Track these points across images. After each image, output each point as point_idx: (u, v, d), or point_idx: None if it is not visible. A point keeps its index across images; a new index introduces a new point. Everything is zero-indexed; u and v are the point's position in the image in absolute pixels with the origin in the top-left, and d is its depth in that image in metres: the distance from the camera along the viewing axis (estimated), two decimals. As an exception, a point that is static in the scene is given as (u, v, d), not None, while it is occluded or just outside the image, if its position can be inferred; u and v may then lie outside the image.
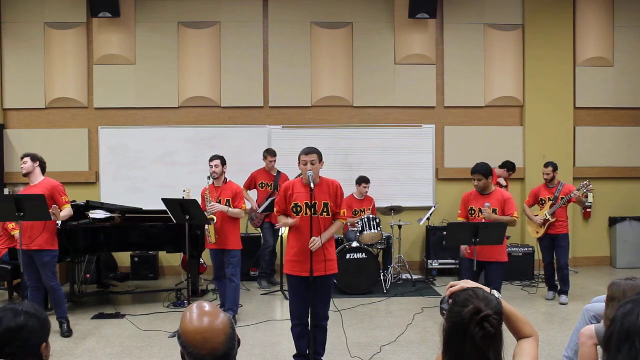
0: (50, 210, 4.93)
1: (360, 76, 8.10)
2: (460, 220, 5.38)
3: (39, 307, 1.90)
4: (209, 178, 5.63)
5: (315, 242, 3.97)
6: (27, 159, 5.20)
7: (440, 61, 8.21)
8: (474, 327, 1.72)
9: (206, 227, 5.61)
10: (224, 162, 5.65)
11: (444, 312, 1.87)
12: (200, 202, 5.58)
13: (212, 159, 5.64)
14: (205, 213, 5.46)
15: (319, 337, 4.19)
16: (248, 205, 6.24)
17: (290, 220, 4.07)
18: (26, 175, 5.23)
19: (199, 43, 7.97)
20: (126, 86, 7.94)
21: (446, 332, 1.81)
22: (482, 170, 5.18)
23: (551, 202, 6.39)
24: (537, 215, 6.44)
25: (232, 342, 1.63)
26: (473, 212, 5.27)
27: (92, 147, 7.96)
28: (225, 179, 5.69)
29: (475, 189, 5.33)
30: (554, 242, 6.41)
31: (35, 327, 1.81)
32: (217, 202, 5.51)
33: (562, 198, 6.34)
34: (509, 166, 7.51)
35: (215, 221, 5.50)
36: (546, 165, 6.50)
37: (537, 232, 6.50)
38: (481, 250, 4.97)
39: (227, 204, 5.52)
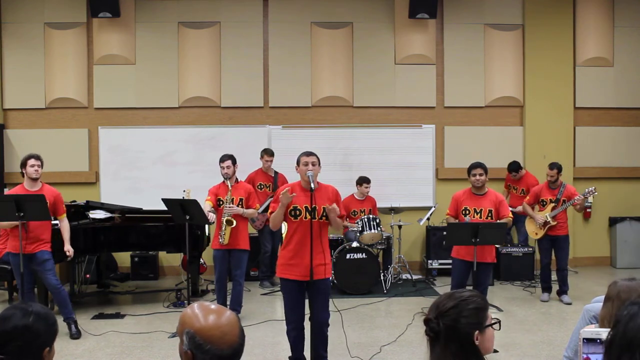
0: (68, 253, 5.21)
1: (360, 76, 8.09)
2: (449, 217, 5.32)
3: (49, 311, 1.87)
4: (226, 179, 5.49)
5: (335, 209, 3.89)
6: (39, 162, 5.04)
7: (440, 61, 8.20)
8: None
9: (222, 227, 5.39)
10: (234, 162, 5.56)
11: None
12: (210, 199, 5.51)
13: (222, 160, 5.53)
14: (224, 215, 5.37)
15: (320, 341, 4.14)
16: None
17: (289, 195, 3.88)
18: (36, 179, 5.04)
19: (199, 43, 7.96)
20: (126, 86, 7.93)
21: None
22: (484, 165, 5.19)
23: (553, 204, 6.32)
24: (540, 212, 6.39)
25: (244, 334, 1.66)
26: (467, 212, 5.21)
27: (92, 147, 7.96)
28: (236, 178, 5.66)
29: (468, 189, 5.29)
30: (554, 244, 6.38)
31: (40, 330, 1.79)
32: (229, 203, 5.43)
33: (564, 201, 6.25)
34: None
35: (234, 224, 5.39)
36: (551, 167, 6.36)
37: (536, 234, 6.44)
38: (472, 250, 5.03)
39: (240, 203, 5.48)
